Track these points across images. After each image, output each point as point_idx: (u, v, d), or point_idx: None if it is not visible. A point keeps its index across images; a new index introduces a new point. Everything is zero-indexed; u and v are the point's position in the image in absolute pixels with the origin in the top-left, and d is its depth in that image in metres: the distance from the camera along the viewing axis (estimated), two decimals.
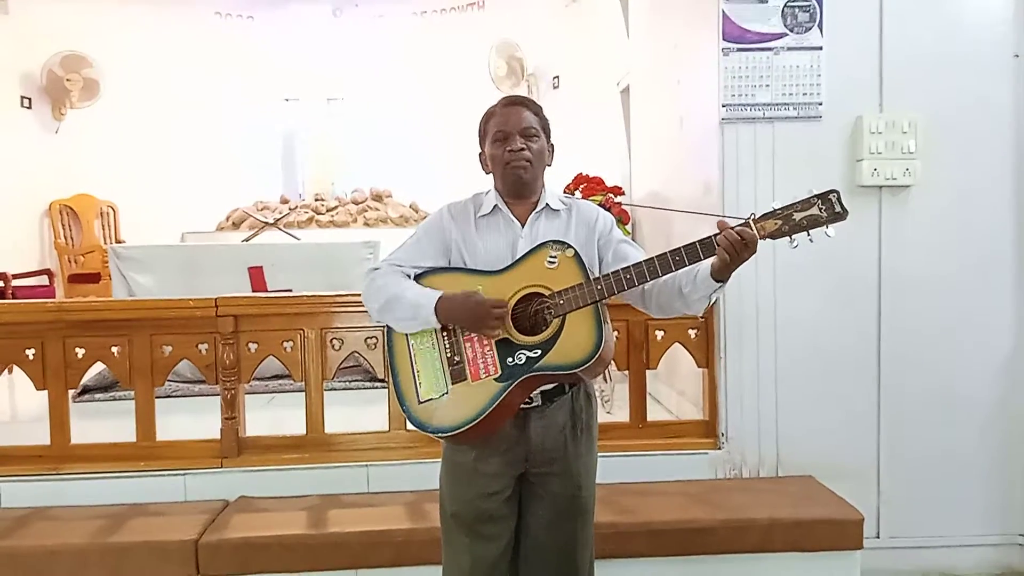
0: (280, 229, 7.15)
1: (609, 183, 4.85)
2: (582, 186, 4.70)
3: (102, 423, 3.80)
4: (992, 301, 3.24)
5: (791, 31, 3.08)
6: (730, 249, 1.78)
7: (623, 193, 4.88)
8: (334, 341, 3.26)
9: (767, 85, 3.09)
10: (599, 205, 4.34)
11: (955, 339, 3.23)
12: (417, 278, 2.05)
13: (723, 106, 3.11)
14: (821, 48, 3.10)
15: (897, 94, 3.16)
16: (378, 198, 8.36)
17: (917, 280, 3.20)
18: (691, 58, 3.58)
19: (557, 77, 7.61)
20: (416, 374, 2.01)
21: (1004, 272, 3.24)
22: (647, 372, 3.31)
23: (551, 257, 1.93)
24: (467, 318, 1.94)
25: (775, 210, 1.80)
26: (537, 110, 2.07)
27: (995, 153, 3.21)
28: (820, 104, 3.12)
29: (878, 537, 3.21)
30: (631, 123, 5.24)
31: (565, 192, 4.54)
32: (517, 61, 7.75)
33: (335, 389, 4.08)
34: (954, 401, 3.24)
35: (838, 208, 1.77)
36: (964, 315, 3.23)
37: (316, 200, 8.31)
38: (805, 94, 3.10)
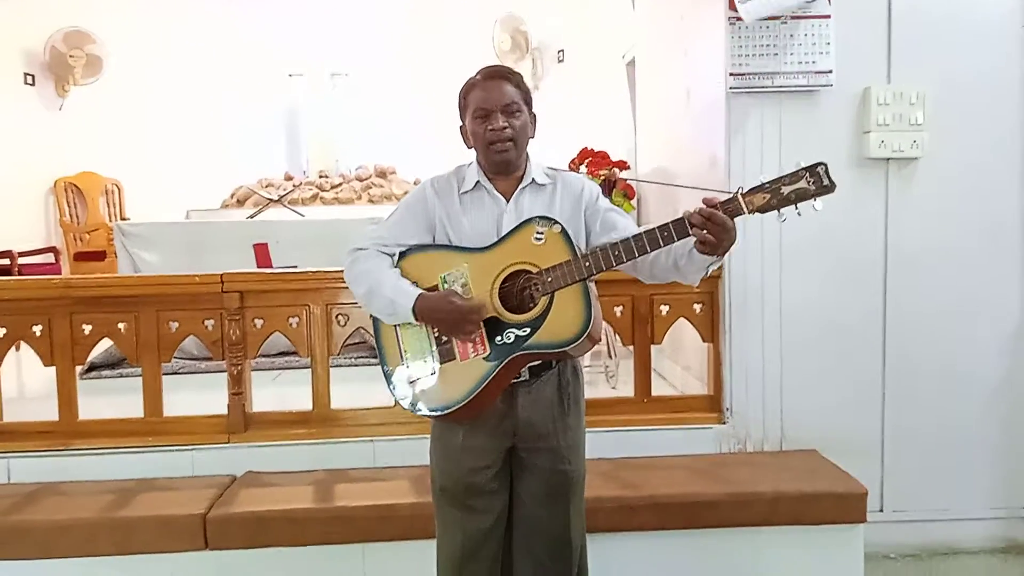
0: (285, 206, 7.14)
1: (614, 157, 4.82)
2: (587, 160, 4.67)
3: (109, 400, 3.81)
4: (999, 275, 3.22)
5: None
6: (708, 227, 1.76)
7: (628, 167, 4.85)
8: (340, 317, 3.27)
9: (775, 55, 3.05)
10: (605, 179, 4.34)
11: (961, 313, 3.22)
12: (402, 255, 2.03)
13: (730, 75, 3.07)
14: (829, 17, 3.06)
15: (905, 65, 3.12)
16: (382, 175, 8.32)
17: (923, 253, 3.18)
18: (697, 29, 3.54)
19: (562, 51, 7.55)
20: (404, 354, 2.01)
21: (1011, 246, 3.22)
22: (652, 347, 3.31)
23: (538, 233, 1.91)
24: (444, 321, 1.93)
25: (763, 184, 1.78)
26: (518, 81, 2.02)
27: (1003, 125, 3.18)
28: (829, 73, 3.08)
29: (882, 511, 3.22)
30: (637, 96, 5.19)
31: (570, 166, 4.53)
32: (522, 35, 7.69)
33: (341, 365, 4.09)
34: (959, 375, 3.23)
35: (826, 181, 1.75)
36: (970, 289, 3.21)
37: (320, 177, 8.28)
38: (814, 64, 3.06)
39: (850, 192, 3.12)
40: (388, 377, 2.04)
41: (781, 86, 3.09)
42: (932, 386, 3.22)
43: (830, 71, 3.08)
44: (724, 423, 3.25)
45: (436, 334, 1.98)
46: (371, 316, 2.07)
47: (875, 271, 3.20)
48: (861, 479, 2.87)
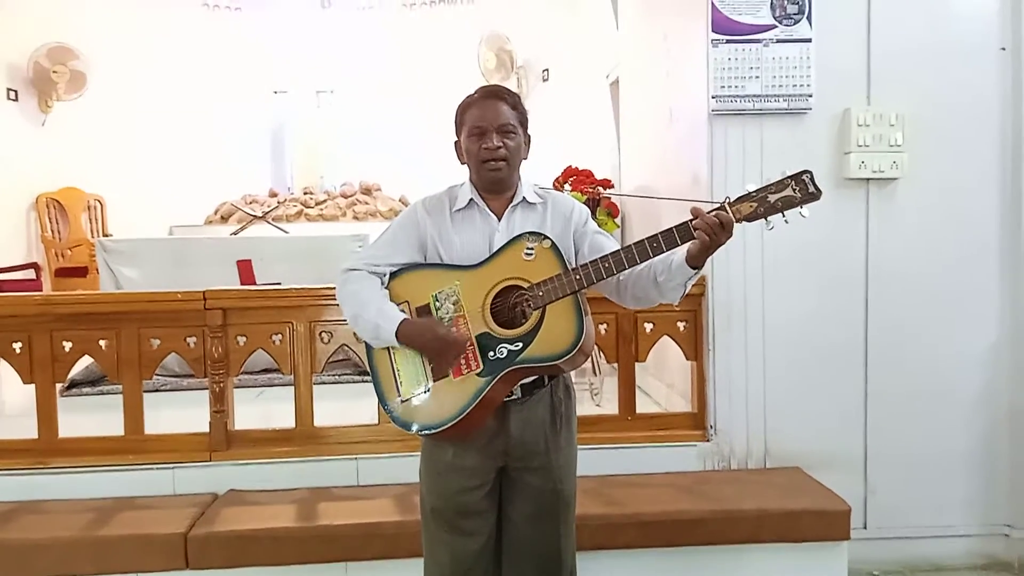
0: (269, 223, 7.12)
1: (598, 176, 4.85)
2: (571, 179, 4.69)
3: (90, 417, 3.78)
4: (978, 293, 3.26)
5: (780, 23, 3.09)
6: (708, 231, 1.79)
7: (612, 186, 4.88)
8: (323, 334, 3.26)
9: (756, 77, 3.09)
10: (590, 197, 4.36)
11: (941, 330, 3.25)
12: (394, 274, 2.03)
13: (712, 97, 3.11)
14: (810, 40, 3.11)
15: (885, 87, 3.17)
16: (367, 192, 8.33)
17: (904, 272, 3.22)
18: (680, 50, 3.58)
19: (547, 70, 7.60)
20: (396, 372, 2.00)
21: (990, 265, 3.26)
22: (636, 365, 3.32)
23: (528, 249, 1.93)
24: (426, 349, 1.94)
25: (750, 193, 1.81)
26: (515, 102, 2.03)
27: (982, 146, 3.23)
28: (809, 96, 3.12)
29: (865, 528, 3.24)
30: (620, 116, 5.24)
31: (554, 185, 4.55)
32: (507, 54, 7.74)
33: (324, 383, 4.07)
34: (940, 393, 3.26)
35: (812, 188, 1.78)
36: (950, 307, 3.25)
37: (305, 194, 8.28)
38: (795, 86, 3.11)
39: (831, 212, 3.16)
40: (381, 396, 2.02)
41: (762, 108, 3.13)
42: (914, 403, 3.25)
43: (810, 95, 3.12)
44: (708, 440, 3.26)
45: None
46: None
47: (856, 289, 3.23)
48: (844, 496, 2.89)
